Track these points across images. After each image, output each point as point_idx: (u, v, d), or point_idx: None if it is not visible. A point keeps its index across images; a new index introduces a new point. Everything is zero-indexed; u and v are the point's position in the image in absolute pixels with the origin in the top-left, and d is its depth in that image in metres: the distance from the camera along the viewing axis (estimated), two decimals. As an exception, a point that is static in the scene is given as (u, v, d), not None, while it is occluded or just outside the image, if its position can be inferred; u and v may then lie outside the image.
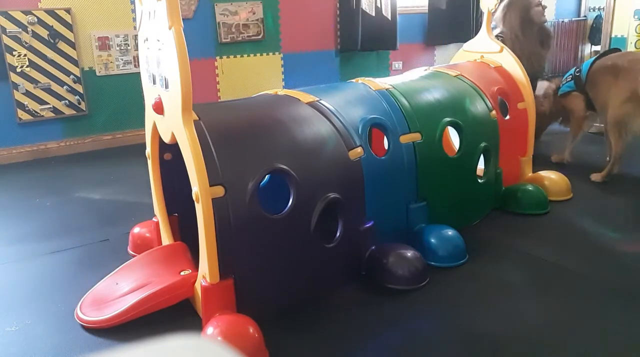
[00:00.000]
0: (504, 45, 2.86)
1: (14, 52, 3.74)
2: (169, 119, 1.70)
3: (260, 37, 4.75)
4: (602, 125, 4.04)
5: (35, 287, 1.98)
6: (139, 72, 2.00)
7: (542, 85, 3.44)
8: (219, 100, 4.57)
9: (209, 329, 1.50)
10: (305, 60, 5.07)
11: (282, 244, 1.68)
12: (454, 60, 3.08)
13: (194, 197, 1.54)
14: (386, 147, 2.09)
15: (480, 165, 2.41)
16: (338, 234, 1.82)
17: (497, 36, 3.19)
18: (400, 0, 5.40)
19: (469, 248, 2.09)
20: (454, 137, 2.64)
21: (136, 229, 2.25)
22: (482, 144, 2.35)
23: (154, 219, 2.16)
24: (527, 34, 3.38)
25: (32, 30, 3.78)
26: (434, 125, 2.19)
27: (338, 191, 1.78)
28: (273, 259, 1.68)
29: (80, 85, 4.02)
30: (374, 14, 5.20)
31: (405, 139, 2.09)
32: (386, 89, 2.23)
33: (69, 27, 3.91)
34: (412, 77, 2.53)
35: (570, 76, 3.21)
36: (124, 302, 1.72)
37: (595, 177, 2.94)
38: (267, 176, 1.74)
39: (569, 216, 2.49)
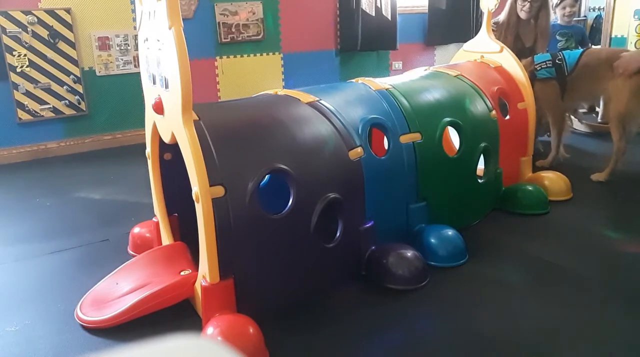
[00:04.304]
0: (504, 45, 2.86)
1: (14, 52, 3.74)
2: (169, 119, 1.70)
3: (260, 37, 4.75)
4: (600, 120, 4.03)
5: (35, 287, 1.98)
6: (139, 72, 2.00)
7: None
8: (219, 100, 4.56)
9: (209, 329, 1.50)
10: (305, 60, 5.07)
11: (282, 244, 1.68)
12: (454, 60, 3.08)
13: (194, 197, 1.54)
14: (386, 147, 2.09)
15: (480, 165, 2.41)
16: (338, 234, 1.82)
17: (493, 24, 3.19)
18: (400, 0, 5.40)
19: (469, 248, 2.09)
20: (454, 137, 2.64)
21: (136, 229, 2.26)
22: (482, 144, 2.35)
23: (154, 219, 2.16)
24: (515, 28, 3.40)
25: (32, 30, 3.77)
26: (434, 125, 2.19)
27: (338, 191, 1.78)
28: (273, 259, 1.68)
29: (80, 85, 4.02)
30: (374, 14, 5.19)
31: (405, 139, 2.09)
32: (386, 89, 2.23)
33: (69, 27, 3.91)
34: (412, 77, 2.53)
35: (550, 62, 3.03)
36: (124, 302, 1.72)
37: (598, 176, 2.92)
38: (267, 176, 1.74)
39: (569, 216, 2.49)
